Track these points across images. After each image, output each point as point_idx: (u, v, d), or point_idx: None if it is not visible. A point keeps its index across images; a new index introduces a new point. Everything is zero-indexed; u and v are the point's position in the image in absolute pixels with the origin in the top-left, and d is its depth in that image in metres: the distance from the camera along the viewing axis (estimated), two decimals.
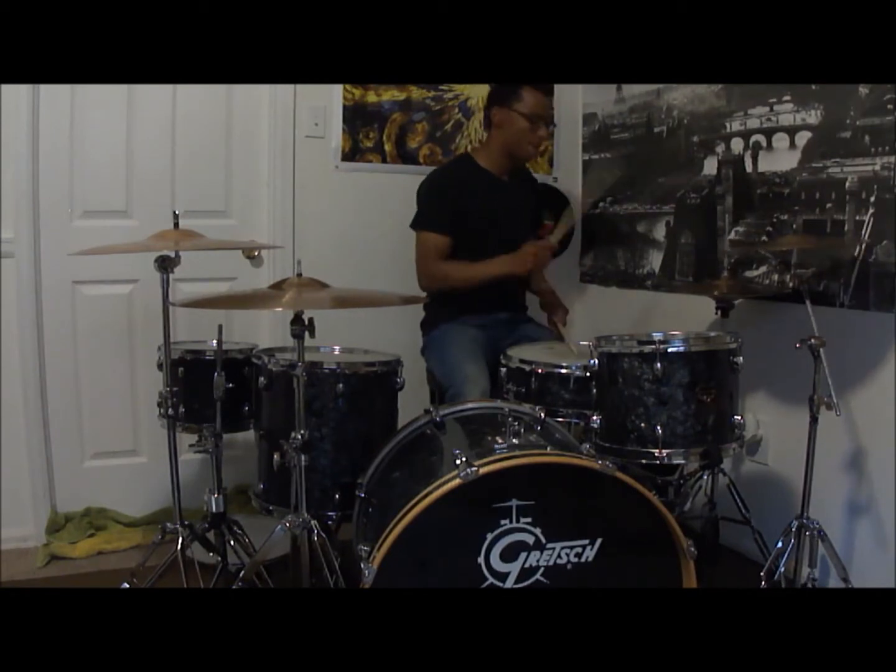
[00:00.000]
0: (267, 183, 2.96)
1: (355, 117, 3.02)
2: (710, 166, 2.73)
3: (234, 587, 1.98)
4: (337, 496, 2.06)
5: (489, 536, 1.59)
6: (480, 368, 2.44)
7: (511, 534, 1.60)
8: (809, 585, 2.07)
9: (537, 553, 1.62)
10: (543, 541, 1.61)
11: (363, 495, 1.93)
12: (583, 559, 1.64)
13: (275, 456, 1.97)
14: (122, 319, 2.81)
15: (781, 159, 2.45)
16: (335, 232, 3.02)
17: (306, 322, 1.78)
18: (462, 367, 2.45)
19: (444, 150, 3.15)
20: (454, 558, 1.60)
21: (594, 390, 2.11)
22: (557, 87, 3.32)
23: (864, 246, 2.22)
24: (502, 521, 1.59)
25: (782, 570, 2.09)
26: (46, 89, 2.60)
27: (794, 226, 2.42)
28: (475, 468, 1.53)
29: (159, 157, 2.81)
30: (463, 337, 2.58)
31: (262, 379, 2.15)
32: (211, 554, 2.14)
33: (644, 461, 2.05)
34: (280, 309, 1.93)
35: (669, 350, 1.99)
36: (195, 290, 2.71)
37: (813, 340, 1.98)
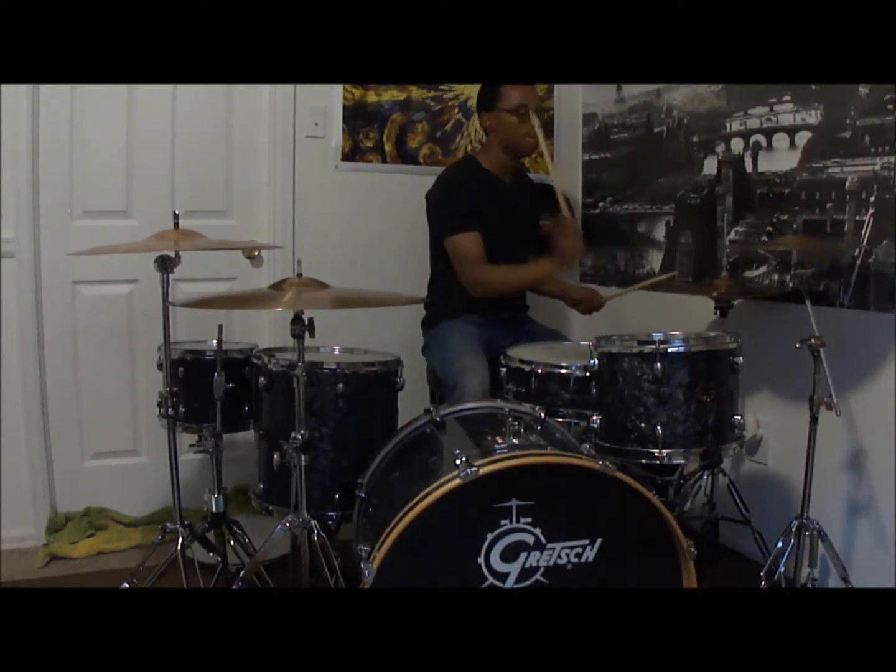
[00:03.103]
0: (267, 183, 2.96)
1: (355, 117, 3.02)
2: (710, 166, 2.73)
3: (234, 587, 1.99)
4: (337, 496, 2.06)
5: (489, 536, 1.59)
6: (479, 359, 2.45)
7: (511, 534, 1.60)
8: (809, 585, 2.07)
9: (537, 553, 1.62)
10: (543, 541, 1.61)
11: (363, 495, 1.93)
12: (583, 559, 1.64)
13: (275, 456, 1.97)
14: (122, 319, 2.81)
15: (781, 159, 2.45)
16: (335, 232, 3.02)
17: (306, 322, 1.78)
18: (460, 358, 2.46)
19: (444, 150, 3.15)
20: (454, 558, 1.60)
21: (594, 390, 2.11)
22: (557, 87, 3.32)
23: (864, 246, 2.22)
24: (502, 521, 1.59)
25: (782, 570, 2.09)
26: (46, 89, 2.60)
27: (794, 226, 2.41)
28: (475, 468, 1.53)
29: (159, 157, 2.81)
30: (463, 333, 2.59)
31: (262, 379, 2.14)
32: (211, 554, 2.14)
33: (644, 461, 2.05)
34: (280, 309, 1.93)
35: (669, 350, 1.99)
36: (195, 290, 2.71)
37: (813, 340, 1.98)
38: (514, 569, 1.61)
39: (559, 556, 1.63)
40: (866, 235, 2.21)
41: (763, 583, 2.09)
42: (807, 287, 2.10)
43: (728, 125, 2.64)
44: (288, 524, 1.86)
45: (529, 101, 2.60)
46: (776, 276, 2.51)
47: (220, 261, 2.85)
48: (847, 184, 2.25)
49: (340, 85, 2.97)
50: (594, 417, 2.08)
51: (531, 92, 2.64)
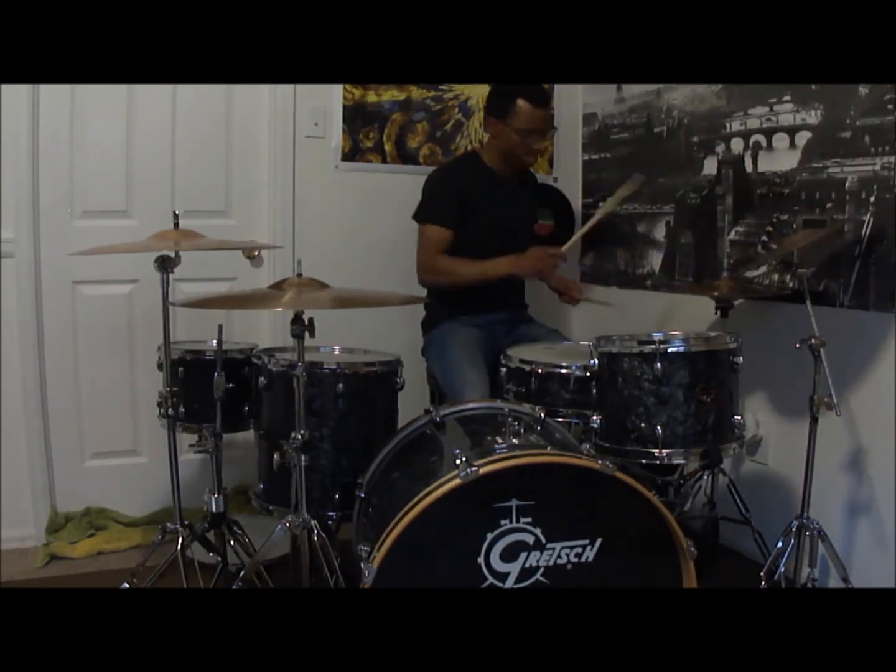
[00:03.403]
0: (267, 183, 2.96)
1: (355, 117, 3.02)
2: (710, 166, 2.73)
3: (234, 587, 1.99)
4: (337, 496, 2.06)
5: (489, 536, 1.59)
6: (481, 372, 2.44)
7: (511, 534, 1.60)
8: (809, 585, 2.06)
9: (537, 553, 1.62)
10: (543, 541, 1.61)
11: (363, 495, 1.93)
12: (583, 559, 1.64)
13: (275, 456, 1.97)
14: (122, 319, 2.81)
15: (781, 159, 2.45)
16: (335, 232, 3.02)
17: (306, 322, 1.78)
18: (462, 371, 2.45)
19: (444, 150, 3.15)
20: (454, 558, 1.60)
21: (594, 390, 2.11)
22: (557, 87, 3.32)
23: (864, 246, 2.22)
24: (502, 521, 1.59)
25: (782, 570, 2.09)
26: (46, 89, 2.60)
27: (794, 226, 2.41)
28: (475, 468, 1.53)
29: (159, 157, 2.81)
30: (463, 338, 2.58)
31: (262, 379, 2.15)
32: (211, 554, 2.14)
33: (644, 461, 2.05)
34: (280, 309, 1.93)
35: (669, 350, 1.99)
36: (195, 290, 2.71)
37: (813, 340, 1.98)
38: (514, 569, 1.61)
39: (559, 556, 1.63)
40: (866, 235, 2.21)
41: (763, 583, 2.09)
42: (807, 287, 2.10)
43: (728, 125, 2.64)
44: (288, 524, 1.86)
45: (539, 126, 2.58)
46: (776, 276, 2.51)
47: (220, 261, 2.85)
48: (847, 184, 2.25)
49: (340, 85, 2.97)
50: (594, 417, 2.08)
51: (544, 117, 2.60)
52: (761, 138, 2.52)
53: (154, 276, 1.98)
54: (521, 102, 2.54)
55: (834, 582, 2.20)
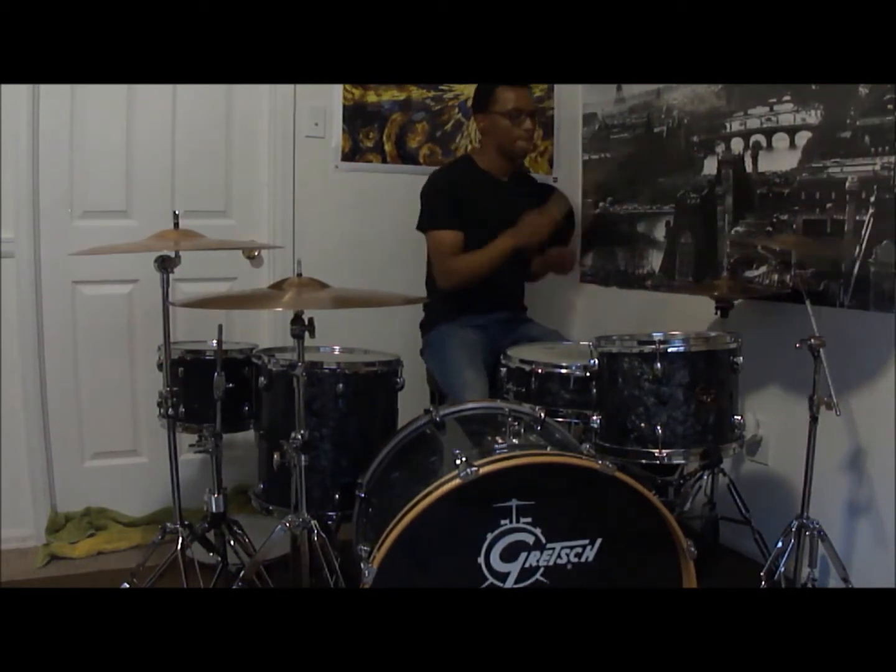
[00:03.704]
0: (267, 183, 2.96)
1: (355, 117, 3.02)
2: (710, 166, 2.73)
3: (234, 587, 1.99)
4: (337, 496, 2.06)
5: (489, 536, 1.59)
6: (479, 374, 2.44)
7: (511, 534, 1.60)
8: (809, 585, 2.07)
9: (537, 553, 1.62)
10: (543, 541, 1.61)
11: (363, 495, 1.93)
12: (583, 559, 1.64)
13: (275, 456, 1.97)
14: (122, 319, 2.81)
15: (781, 159, 2.45)
16: (335, 232, 3.02)
17: (306, 322, 1.78)
18: (461, 372, 2.45)
19: (444, 150, 3.15)
20: (454, 558, 1.60)
21: (594, 390, 2.11)
22: (557, 87, 3.33)
23: (864, 246, 2.22)
24: (502, 521, 1.59)
25: (782, 570, 2.09)
26: (46, 89, 2.60)
27: (794, 226, 2.41)
28: (475, 468, 1.53)
29: (159, 157, 2.81)
30: (462, 339, 2.58)
31: (262, 379, 2.15)
32: (211, 554, 2.14)
33: (644, 461, 2.05)
34: (280, 309, 1.93)
35: (669, 350, 1.99)
36: (195, 290, 2.71)
37: (813, 340, 1.98)
38: (514, 569, 1.61)
39: (559, 556, 1.63)
40: (866, 235, 2.21)
41: (763, 583, 2.09)
42: (807, 287, 2.10)
43: (728, 125, 2.64)
44: (288, 524, 1.86)
45: (524, 105, 2.60)
46: (776, 276, 2.51)
47: (220, 261, 2.85)
48: (847, 184, 2.25)
49: (340, 85, 2.97)
50: (594, 417, 2.08)
51: (526, 96, 2.63)
52: (761, 138, 2.52)
53: (154, 276, 1.98)
54: (500, 89, 2.58)
55: (834, 582, 2.20)
